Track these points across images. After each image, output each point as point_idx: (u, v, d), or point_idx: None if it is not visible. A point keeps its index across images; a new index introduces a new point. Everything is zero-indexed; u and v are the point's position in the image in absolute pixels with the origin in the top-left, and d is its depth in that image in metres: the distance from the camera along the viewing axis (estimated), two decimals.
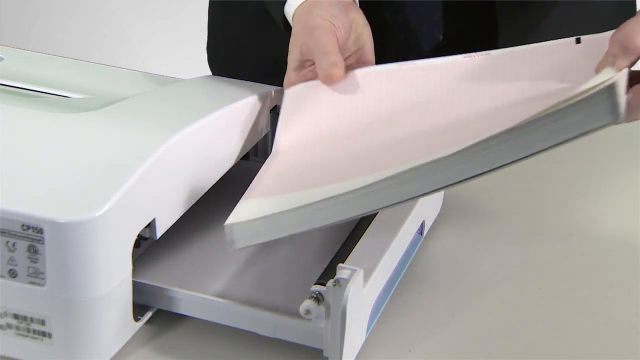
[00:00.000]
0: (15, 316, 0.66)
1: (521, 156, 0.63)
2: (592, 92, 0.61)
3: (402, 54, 1.00)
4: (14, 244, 0.64)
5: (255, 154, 0.88)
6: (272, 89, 0.86)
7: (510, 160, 0.64)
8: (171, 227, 0.72)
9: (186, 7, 2.30)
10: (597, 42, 0.71)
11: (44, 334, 0.66)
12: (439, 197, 0.86)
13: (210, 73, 1.14)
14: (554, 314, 0.76)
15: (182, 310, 0.71)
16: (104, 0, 2.64)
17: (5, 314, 0.66)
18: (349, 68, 0.85)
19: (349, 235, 0.75)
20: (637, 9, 0.71)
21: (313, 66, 0.82)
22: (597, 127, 0.62)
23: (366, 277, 0.68)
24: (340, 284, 0.65)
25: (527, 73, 0.77)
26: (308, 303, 0.66)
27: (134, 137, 0.72)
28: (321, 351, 0.67)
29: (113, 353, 0.68)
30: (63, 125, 0.74)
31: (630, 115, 0.67)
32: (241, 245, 0.68)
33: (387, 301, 0.75)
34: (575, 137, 0.62)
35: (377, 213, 0.77)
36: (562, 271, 0.81)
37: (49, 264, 0.64)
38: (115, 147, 0.71)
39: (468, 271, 0.81)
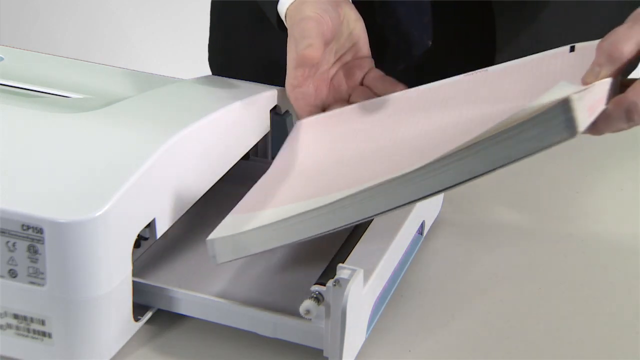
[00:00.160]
0: (15, 316, 0.66)
1: (479, 173, 0.62)
2: (547, 107, 0.60)
3: (395, 59, 1.00)
4: (14, 244, 0.64)
5: (255, 154, 0.88)
6: (272, 89, 0.86)
7: (469, 177, 0.62)
8: (171, 227, 0.72)
9: (186, 7, 2.30)
10: (592, 49, 0.70)
11: (44, 334, 0.66)
12: (438, 197, 0.86)
13: (210, 73, 1.14)
14: (554, 314, 0.76)
15: (182, 310, 0.71)
16: (104, 0, 2.64)
17: (5, 314, 0.66)
18: (346, 65, 0.85)
19: (349, 235, 0.75)
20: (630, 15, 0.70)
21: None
22: (554, 142, 0.60)
23: (366, 277, 0.68)
24: (340, 284, 0.65)
25: (523, 86, 0.76)
26: (308, 303, 0.66)
27: (134, 137, 0.72)
28: (321, 351, 0.67)
29: (113, 353, 0.68)
30: (63, 125, 0.74)
31: (608, 127, 0.66)
32: (222, 260, 0.69)
33: (387, 301, 0.75)
34: (533, 153, 0.61)
35: None
36: (562, 271, 0.81)
37: (49, 264, 0.64)
38: (115, 147, 0.71)
39: (468, 271, 0.80)
